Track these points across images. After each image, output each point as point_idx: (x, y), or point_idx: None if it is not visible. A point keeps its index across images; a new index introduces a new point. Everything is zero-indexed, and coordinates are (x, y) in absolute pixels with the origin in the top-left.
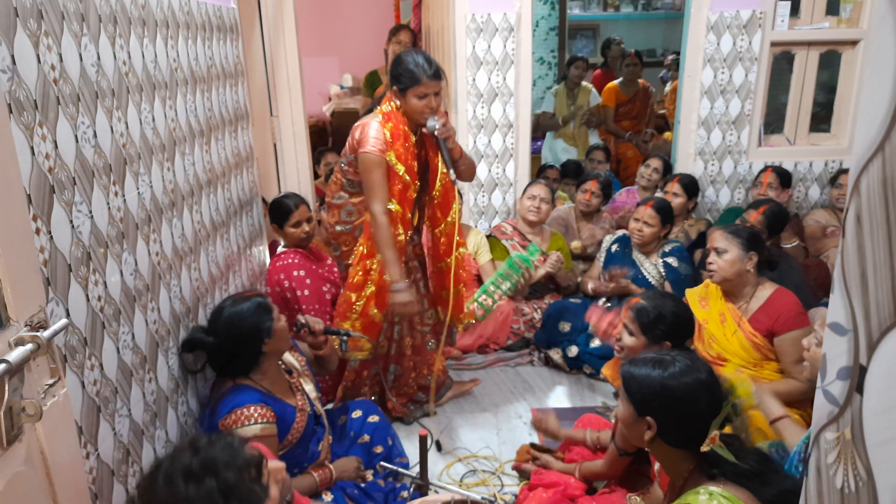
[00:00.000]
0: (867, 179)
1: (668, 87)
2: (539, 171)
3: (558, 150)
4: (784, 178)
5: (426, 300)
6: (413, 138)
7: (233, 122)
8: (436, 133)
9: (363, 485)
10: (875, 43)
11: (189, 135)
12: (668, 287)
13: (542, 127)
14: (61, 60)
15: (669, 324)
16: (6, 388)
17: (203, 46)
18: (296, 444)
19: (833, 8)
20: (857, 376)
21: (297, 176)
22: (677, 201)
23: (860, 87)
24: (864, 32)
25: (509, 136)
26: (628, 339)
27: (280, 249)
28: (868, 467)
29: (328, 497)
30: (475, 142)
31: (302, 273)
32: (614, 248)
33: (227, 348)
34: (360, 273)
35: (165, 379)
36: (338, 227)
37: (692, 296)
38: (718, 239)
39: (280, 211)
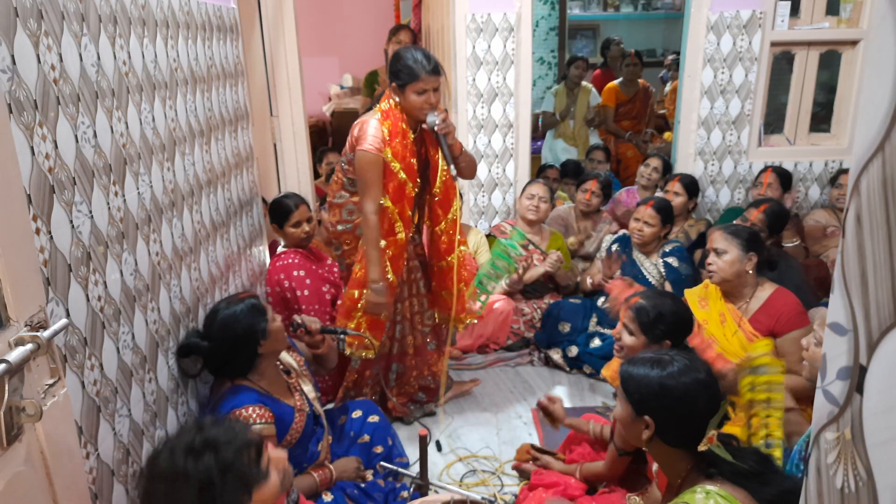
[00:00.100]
0: (867, 179)
1: (668, 87)
2: (539, 170)
3: (558, 150)
4: (784, 178)
5: (426, 300)
6: (412, 136)
7: (233, 122)
8: (435, 128)
9: (363, 485)
10: (875, 43)
11: (189, 135)
12: (668, 287)
13: (544, 126)
14: (61, 60)
15: (669, 323)
16: (6, 388)
17: (203, 46)
18: (295, 445)
19: (833, 8)
20: (857, 376)
21: (297, 176)
22: (678, 200)
23: (860, 87)
24: (864, 32)
25: (509, 136)
26: (628, 339)
27: (280, 249)
28: (868, 467)
29: (328, 497)
30: (475, 142)
31: (302, 273)
32: (614, 247)
33: (222, 351)
34: (363, 270)
35: (165, 379)
36: (339, 227)
37: (692, 296)
38: (718, 240)
39: (280, 211)
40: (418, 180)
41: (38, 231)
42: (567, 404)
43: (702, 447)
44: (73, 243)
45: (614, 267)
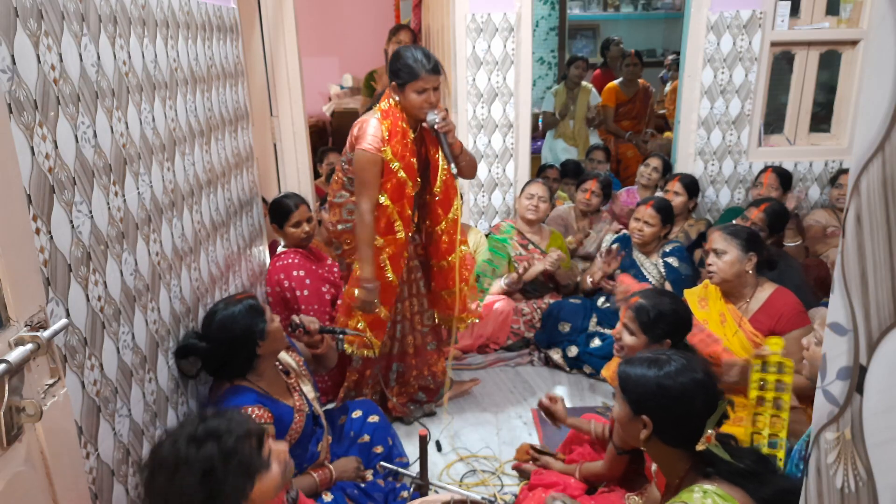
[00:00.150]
0: (867, 179)
1: (668, 87)
2: (539, 170)
3: (558, 150)
4: (784, 178)
5: (426, 300)
6: (412, 135)
7: (233, 122)
8: (436, 127)
9: (363, 485)
10: (875, 43)
11: (189, 135)
12: (668, 287)
13: (544, 126)
14: (61, 60)
15: (670, 322)
16: (6, 388)
17: (203, 46)
18: (295, 445)
19: (833, 8)
20: (857, 376)
21: (297, 176)
22: (678, 200)
23: (860, 87)
24: (864, 32)
25: (509, 136)
26: (629, 339)
27: (280, 249)
28: (868, 467)
29: (328, 497)
30: (475, 142)
31: (302, 273)
32: (615, 247)
33: (220, 352)
34: None
35: (165, 379)
36: (339, 226)
37: (691, 296)
38: (717, 240)
39: (280, 211)
40: (418, 180)
41: (38, 231)
42: (567, 404)
43: (700, 447)
44: (73, 243)
45: (613, 264)
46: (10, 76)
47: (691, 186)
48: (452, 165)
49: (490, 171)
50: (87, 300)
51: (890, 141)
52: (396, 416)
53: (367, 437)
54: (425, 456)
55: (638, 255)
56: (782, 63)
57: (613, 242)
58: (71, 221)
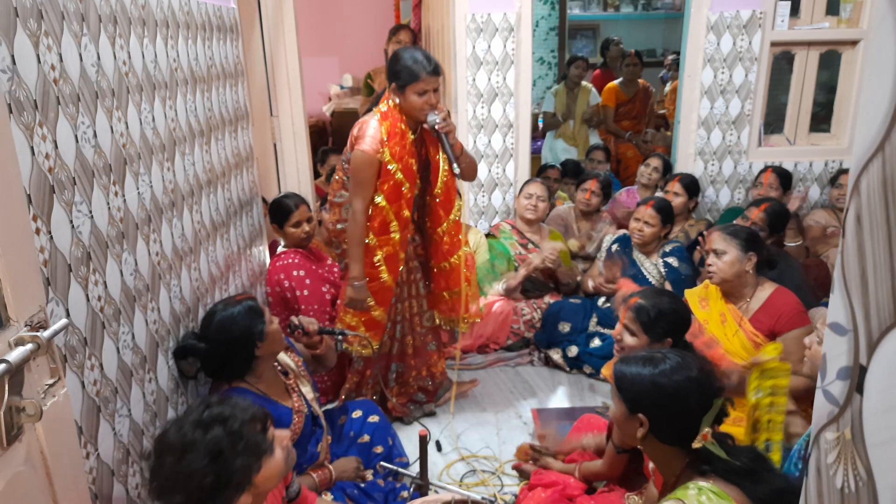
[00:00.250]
0: (867, 179)
1: (668, 87)
2: (539, 170)
3: (558, 150)
4: (784, 178)
5: (425, 302)
6: (411, 136)
7: (233, 122)
8: (436, 127)
9: (363, 485)
10: (875, 43)
11: (189, 135)
12: (668, 287)
13: (544, 126)
14: (61, 60)
15: (670, 321)
16: (6, 388)
17: (203, 46)
18: (294, 446)
19: (833, 8)
20: (857, 376)
21: (297, 176)
22: (678, 200)
23: (860, 87)
24: (864, 32)
25: (509, 136)
26: (630, 340)
27: (280, 249)
28: (868, 467)
29: (328, 497)
30: (475, 142)
31: (302, 273)
32: (615, 247)
33: (219, 353)
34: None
35: (165, 379)
36: (339, 226)
37: (692, 296)
38: (717, 240)
39: (280, 211)
40: (418, 182)
41: (38, 231)
42: (567, 404)
43: (696, 444)
44: (73, 243)
45: (616, 270)
46: (10, 76)
47: (691, 187)
48: (455, 165)
49: (490, 171)
50: (87, 300)
51: (890, 141)
52: (396, 416)
53: (367, 437)
54: (425, 456)
55: (638, 256)
56: (782, 63)
57: (614, 242)
58: (71, 221)
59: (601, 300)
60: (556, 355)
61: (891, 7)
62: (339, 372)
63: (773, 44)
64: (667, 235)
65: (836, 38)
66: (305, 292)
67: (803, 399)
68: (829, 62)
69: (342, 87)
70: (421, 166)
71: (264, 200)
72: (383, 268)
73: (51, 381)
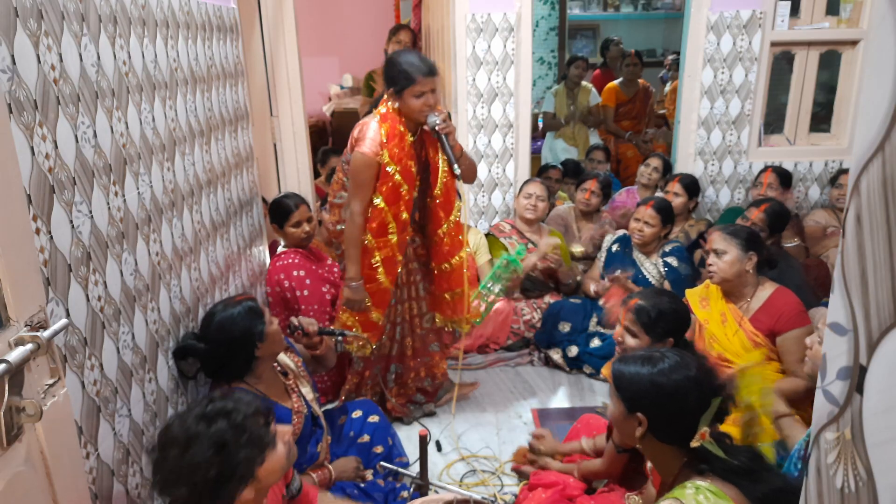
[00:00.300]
0: (867, 179)
1: (668, 87)
2: (541, 170)
3: (558, 150)
4: (784, 178)
5: (425, 303)
6: (410, 138)
7: (233, 122)
8: (437, 129)
9: (363, 485)
10: (875, 43)
11: (189, 135)
12: (667, 287)
13: (544, 126)
14: (61, 60)
15: (670, 320)
16: (6, 388)
17: (203, 46)
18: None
19: (833, 8)
20: (857, 376)
21: (297, 176)
22: (678, 201)
23: (860, 87)
24: (864, 32)
25: (509, 136)
26: (631, 341)
27: (280, 249)
28: (868, 467)
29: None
30: (475, 142)
31: (302, 273)
32: (615, 247)
33: (219, 354)
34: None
35: (165, 379)
36: (339, 227)
37: (692, 296)
38: (717, 240)
39: (280, 211)
40: (417, 184)
41: (38, 231)
42: (567, 404)
43: (694, 443)
44: (73, 243)
45: (620, 283)
46: (10, 76)
47: (691, 187)
48: (455, 166)
49: (490, 171)
50: (87, 300)
51: (890, 141)
52: (396, 416)
53: (366, 437)
54: (425, 456)
55: (638, 256)
56: (782, 63)
57: (614, 242)
58: (71, 221)
59: (601, 300)
60: (556, 355)
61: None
62: (339, 372)
63: (773, 44)
64: (667, 235)
65: (836, 38)
66: (305, 292)
67: (802, 400)
68: (829, 62)
69: (342, 87)
70: (420, 168)
71: (264, 200)
72: (381, 270)
73: (51, 381)
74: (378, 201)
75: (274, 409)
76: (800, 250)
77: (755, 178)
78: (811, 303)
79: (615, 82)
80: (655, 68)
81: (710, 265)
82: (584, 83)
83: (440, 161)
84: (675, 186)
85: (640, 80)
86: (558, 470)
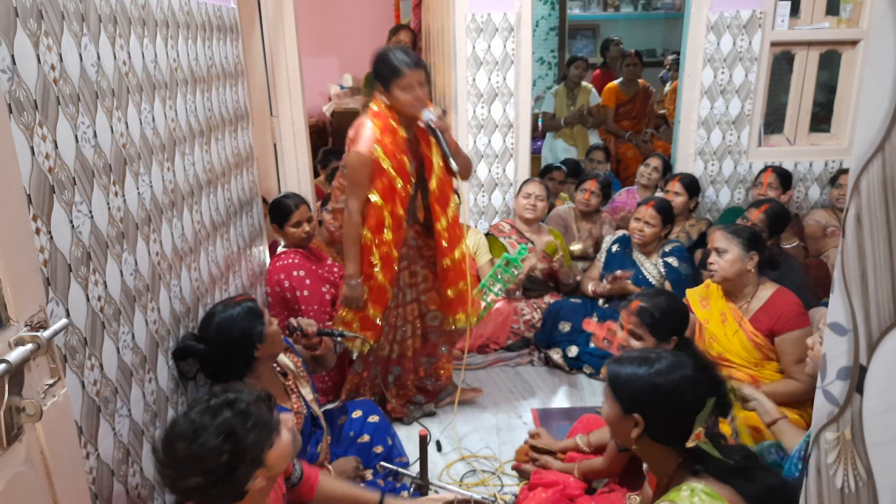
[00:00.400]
0: (867, 179)
1: (668, 87)
2: (544, 170)
3: (558, 150)
4: (784, 178)
5: (429, 304)
6: (403, 133)
7: (233, 122)
8: (432, 125)
9: (363, 485)
10: (875, 43)
11: (189, 135)
12: (668, 287)
13: (544, 126)
14: (61, 60)
15: (673, 319)
16: (6, 388)
17: (203, 46)
18: None
19: (833, 8)
20: (857, 376)
21: (297, 176)
22: (678, 200)
23: (860, 87)
24: (864, 32)
25: (509, 136)
26: (637, 344)
27: (280, 249)
28: (868, 467)
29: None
30: (475, 142)
31: (302, 273)
32: (615, 248)
33: (218, 355)
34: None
35: (165, 379)
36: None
37: (693, 296)
38: (719, 239)
39: (280, 211)
40: (413, 181)
41: (38, 231)
42: (567, 404)
43: (690, 444)
44: (73, 243)
45: (620, 283)
46: (10, 76)
47: (691, 186)
48: (452, 161)
49: (490, 171)
50: (87, 300)
51: (890, 141)
52: (396, 416)
53: (366, 437)
54: (425, 456)
55: (638, 256)
56: (782, 63)
57: (614, 243)
58: (71, 221)
59: (601, 301)
60: (556, 355)
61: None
62: (340, 372)
63: (773, 44)
64: (667, 236)
65: (836, 38)
66: (305, 292)
67: (803, 401)
68: (829, 62)
69: (342, 87)
70: (417, 167)
71: (264, 200)
72: (378, 267)
73: (51, 381)
74: (375, 198)
75: (274, 397)
76: (799, 250)
77: (755, 178)
78: (811, 303)
79: (615, 82)
80: (655, 68)
81: (711, 264)
82: (584, 83)
83: (434, 157)
84: (676, 186)
85: (640, 80)
86: (559, 469)
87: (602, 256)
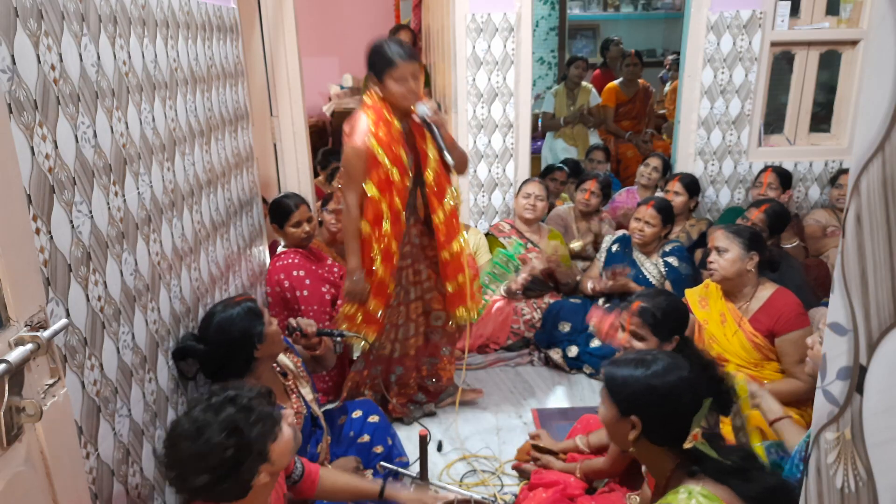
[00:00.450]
0: (867, 179)
1: (668, 87)
2: (546, 171)
3: (558, 150)
4: (784, 178)
5: (432, 303)
6: (397, 124)
7: (233, 122)
8: (427, 119)
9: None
10: (875, 43)
11: (189, 135)
12: (668, 287)
13: (544, 126)
14: (61, 60)
15: (674, 318)
16: (6, 388)
17: (203, 46)
18: None
19: (833, 8)
20: (857, 376)
21: (297, 176)
22: (679, 200)
23: (860, 87)
24: (864, 32)
25: (509, 136)
26: (640, 345)
27: (280, 249)
28: (868, 467)
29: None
30: (475, 142)
31: (301, 273)
32: (615, 247)
33: (218, 355)
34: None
35: (165, 379)
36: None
37: (692, 296)
38: (720, 238)
39: (280, 211)
40: (410, 173)
41: (38, 231)
42: (567, 404)
43: (687, 445)
44: (73, 243)
45: (620, 279)
46: (10, 76)
47: (692, 186)
48: (446, 154)
49: (490, 171)
50: (87, 300)
51: (890, 141)
52: (396, 416)
53: (366, 437)
54: (425, 456)
55: (638, 255)
56: (782, 63)
57: (614, 242)
58: (71, 221)
59: (601, 300)
60: (556, 355)
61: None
62: (340, 372)
63: (773, 44)
64: (667, 235)
65: (836, 38)
66: (305, 292)
67: (803, 401)
68: (829, 62)
69: (342, 87)
70: (415, 160)
71: (264, 200)
72: (378, 259)
73: (51, 381)
74: (372, 191)
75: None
76: (799, 250)
77: (755, 178)
78: (811, 303)
79: (615, 82)
80: (655, 68)
81: (711, 262)
82: (584, 83)
83: (429, 150)
84: (676, 185)
85: (640, 80)
86: (561, 469)
87: (602, 256)
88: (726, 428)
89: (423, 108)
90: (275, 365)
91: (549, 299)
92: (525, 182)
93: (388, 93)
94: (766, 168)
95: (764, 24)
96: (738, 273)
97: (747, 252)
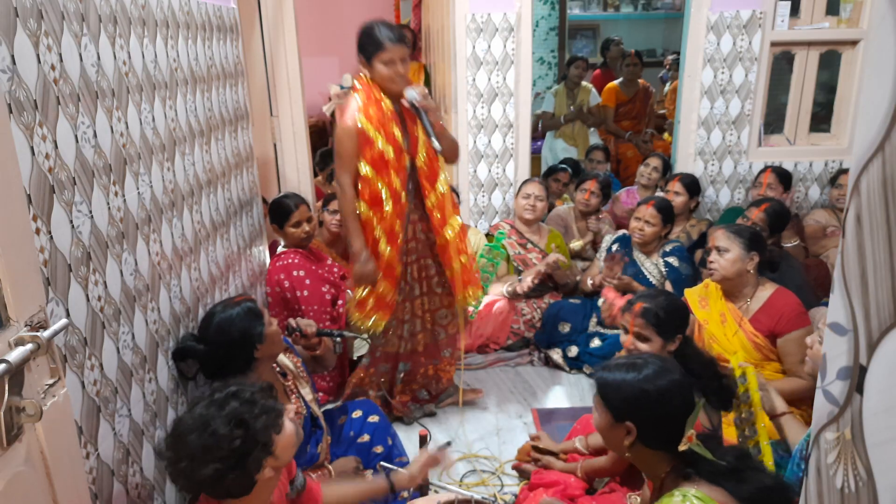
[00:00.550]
0: (867, 179)
1: (668, 87)
2: (548, 171)
3: (558, 150)
4: (784, 178)
5: (438, 299)
6: (389, 104)
7: (233, 122)
8: (416, 104)
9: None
10: (875, 43)
11: (189, 135)
12: (668, 286)
13: (544, 126)
14: (61, 60)
15: (677, 317)
16: (6, 388)
17: (203, 46)
18: None
19: (833, 8)
20: (857, 376)
21: (297, 176)
22: (679, 200)
23: (860, 87)
24: (864, 32)
25: (509, 136)
26: (644, 346)
27: (280, 249)
28: (868, 467)
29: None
30: (475, 142)
31: (301, 273)
32: (615, 247)
33: (218, 355)
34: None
35: (165, 379)
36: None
37: (692, 296)
38: (720, 238)
39: (280, 211)
40: (406, 154)
41: (38, 231)
42: (567, 404)
43: (681, 447)
44: (73, 243)
45: (616, 269)
46: (10, 76)
47: (692, 186)
48: (434, 140)
49: (490, 171)
50: (87, 300)
51: (890, 141)
52: (397, 415)
53: (366, 437)
54: None
55: (638, 255)
56: (782, 63)
57: (614, 242)
58: (71, 221)
59: (601, 300)
60: (556, 355)
61: (891, 7)
62: (342, 372)
63: (773, 44)
64: (667, 235)
65: (836, 38)
66: (305, 293)
67: (803, 400)
68: (829, 62)
69: (342, 87)
70: (406, 139)
71: (264, 200)
72: (382, 240)
73: (51, 381)
74: (366, 170)
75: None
76: (799, 250)
77: (755, 178)
78: (811, 303)
79: (615, 82)
80: (655, 68)
81: (712, 262)
82: (584, 83)
83: (419, 133)
84: (676, 185)
85: (640, 80)
86: (562, 469)
87: (602, 256)
88: (730, 429)
89: (412, 93)
90: (274, 365)
91: (549, 299)
92: (525, 182)
93: (376, 75)
94: (765, 168)
95: (764, 24)
96: (738, 273)
97: (748, 252)
